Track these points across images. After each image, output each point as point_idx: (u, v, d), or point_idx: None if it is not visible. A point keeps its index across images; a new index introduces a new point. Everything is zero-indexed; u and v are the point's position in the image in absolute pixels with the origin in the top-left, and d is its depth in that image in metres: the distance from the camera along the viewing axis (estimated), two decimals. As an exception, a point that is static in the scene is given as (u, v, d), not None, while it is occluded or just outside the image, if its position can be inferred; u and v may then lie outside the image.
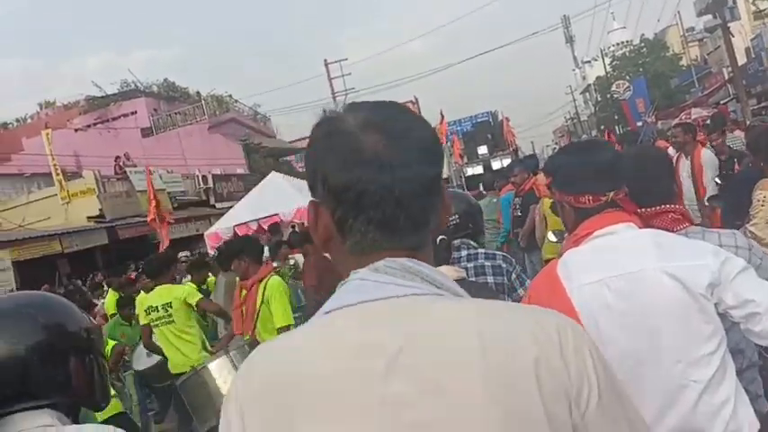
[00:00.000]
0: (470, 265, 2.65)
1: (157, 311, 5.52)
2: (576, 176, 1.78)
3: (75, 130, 28.13)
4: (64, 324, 1.37)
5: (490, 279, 2.63)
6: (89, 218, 19.36)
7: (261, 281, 4.39)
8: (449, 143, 35.18)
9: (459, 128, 47.56)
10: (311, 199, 0.94)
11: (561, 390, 0.81)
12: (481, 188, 10.65)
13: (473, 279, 2.52)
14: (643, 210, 1.87)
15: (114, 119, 29.29)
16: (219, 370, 4.26)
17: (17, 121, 32.02)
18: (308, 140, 0.95)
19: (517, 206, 7.42)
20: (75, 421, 1.39)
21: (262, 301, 4.33)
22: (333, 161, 0.89)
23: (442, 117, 33.19)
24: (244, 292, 4.51)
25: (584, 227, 1.76)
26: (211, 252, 15.10)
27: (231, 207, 18.65)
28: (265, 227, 15.92)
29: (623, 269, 1.65)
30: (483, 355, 0.80)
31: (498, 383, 0.80)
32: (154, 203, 12.11)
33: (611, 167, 1.77)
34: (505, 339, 0.83)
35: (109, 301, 9.07)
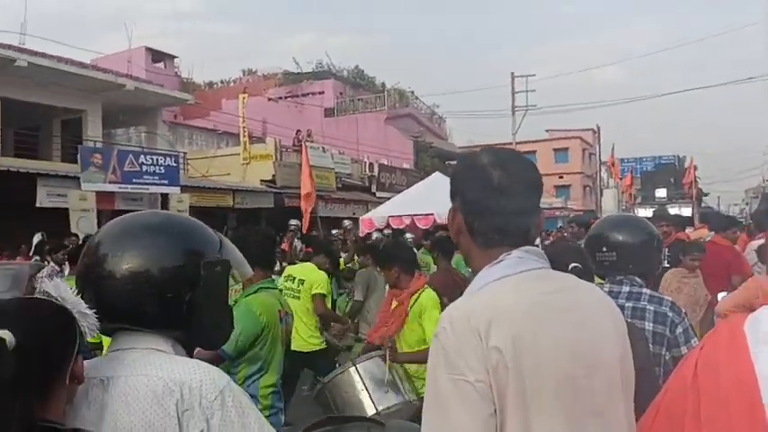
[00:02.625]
0: (629, 304, 2.36)
1: (293, 282, 5.68)
2: None
3: (268, 100, 30.34)
4: (198, 252, 1.32)
5: (648, 326, 2.30)
6: (262, 181, 20.76)
7: (415, 293, 4.15)
8: (622, 179, 33.32)
9: (638, 166, 44.63)
10: (452, 205, 1.40)
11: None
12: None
13: (628, 320, 2.23)
14: None
15: (303, 95, 31.19)
16: (365, 372, 3.91)
17: (221, 82, 35.26)
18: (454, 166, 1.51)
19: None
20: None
21: (409, 313, 4.09)
22: (470, 184, 1.35)
23: (612, 152, 31.45)
24: (395, 303, 4.26)
25: None
26: (364, 236, 15.53)
27: (390, 198, 19.09)
28: (419, 223, 16.08)
29: None
30: (600, 303, 1.36)
31: (615, 320, 1.35)
32: (309, 180, 12.49)
33: None
34: (604, 298, 1.41)
35: None
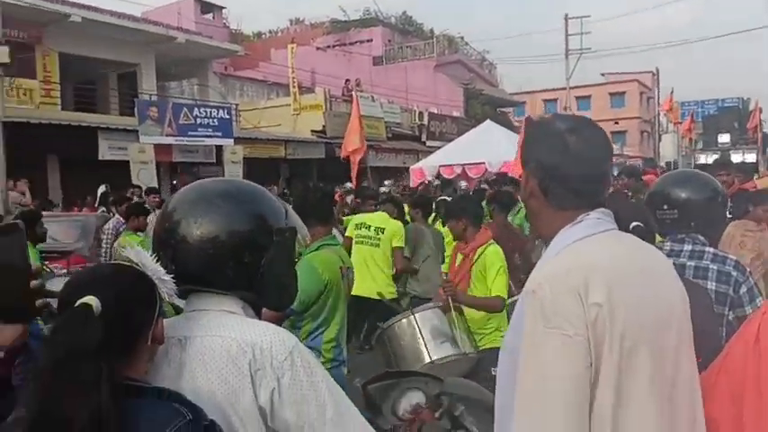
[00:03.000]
0: (691, 263, 2.30)
1: (368, 230, 5.67)
2: None
3: (317, 49, 30.15)
4: (269, 220, 1.37)
5: (711, 285, 2.25)
6: (312, 131, 20.88)
7: (480, 246, 4.07)
8: (681, 123, 31.96)
9: (700, 109, 42.76)
10: (524, 170, 1.47)
11: None
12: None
13: (690, 279, 2.19)
14: None
15: (351, 43, 30.83)
16: (422, 321, 3.92)
17: (270, 32, 35.15)
18: (524, 130, 1.67)
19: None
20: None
21: (473, 266, 4.03)
22: (546, 149, 1.42)
23: (671, 95, 30.18)
24: (461, 256, 4.22)
25: None
26: (414, 186, 15.52)
27: (441, 147, 18.93)
28: (470, 172, 15.94)
29: None
30: (665, 264, 1.45)
31: (678, 281, 1.42)
32: (359, 133, 12.25)
33: None
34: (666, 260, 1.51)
35: None
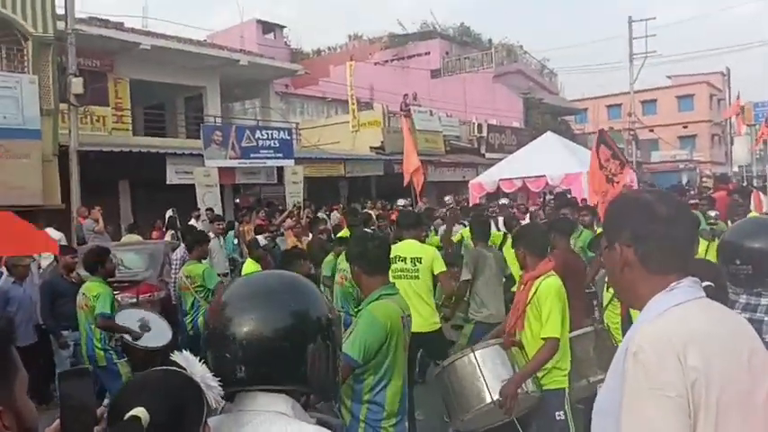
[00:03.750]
0: (745, 315, 2.16)
1: (405, 262, 5.39)
2: None
3: (375, 64, 30.42)
4: (311, 311, 1.38)
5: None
6: (371, 148, 21.04)
7: (537, 278, 3.87)
8: (756, 126, 30.38)
9: (775, 111, 40.83)
10: (615, 244, 1.54)
11: None
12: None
13: None
14: None
15: (409, 57, 30.97)
16: (483, 360, 3.86)
17: (329, 49, 35.73)
18: (608, 209, 1.64)
19: None
20: (305, 407, 1.41)
21: (529, 301, 3.85)
22: (639, 218, 1.51)
23: (738, 97, 28.85)
24: (522, 286, 4.06)
25: None
26: (475, 201, 15.39)
27: (501, 159, 18.72)
28: (530, 186, 15.68)
29: None
30: (750, 334, 1.45)
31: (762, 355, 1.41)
32: (413, 150, 12.04)
33: None
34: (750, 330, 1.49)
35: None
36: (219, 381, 1.27)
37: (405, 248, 5.55)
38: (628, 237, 1.51)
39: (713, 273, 2.18)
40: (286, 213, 12.77)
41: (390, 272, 5.35)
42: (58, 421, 1.12)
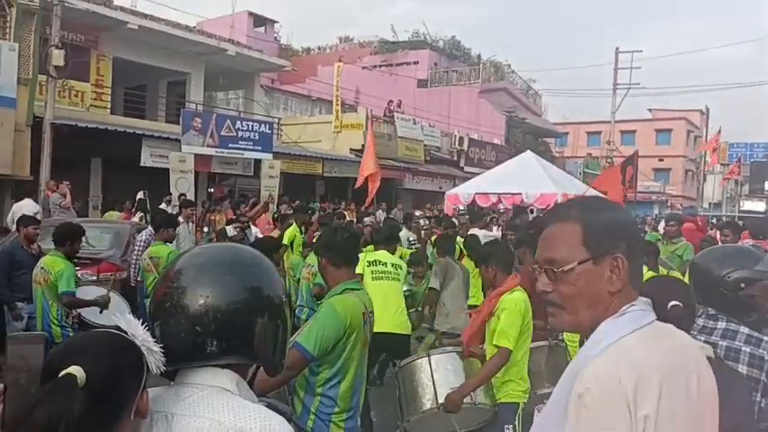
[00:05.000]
0: (723, 343, 2.20)
1: (385, 266, 5.53)
2: None
3: (363, 68, 30.43)
4: (263, 287, 1.36)
5: (743, 369, 2.13)
6: (351, 150, 20.98)
7: (503, 293, 3.88)
8: (729, 165, 31.10)
9: (748, 152, 41.87)
10: (617, 254, 1.38)
11: None
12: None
13: (721, 360, 2.07)
14: None
15: (398, 65, 31.06)
16: (437, 365, 3.92)
17: (318, 48, 35.67)
18: (597, 216, 1.43)
19: None
20: (251, 384, 1.40)
21: (492, 314, 3.86)
22: (635, 232, 1.50)
23: (718, 134, 29.54)
24: (488, 302, 4.08)
25: None
26: (449, 213, 15.44)
27: (478, 173, 18.82)
28: (505, 202, 15.78)
29: None
30: (701, 359, 1.38)
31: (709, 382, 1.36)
32: (373, 155, 12.25)
33: None
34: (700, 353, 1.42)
35: (290, 233, 8.74)
36: (168, 355, 1.24)
37: (384, 255, 5.68)
38: (624, 249, 1.37)
39: (681, 291, 2.19)
40: (261, 205, 12.69)
41: (370, 273, 5.52)
42: (1, 385, 1.07)
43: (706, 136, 42.68)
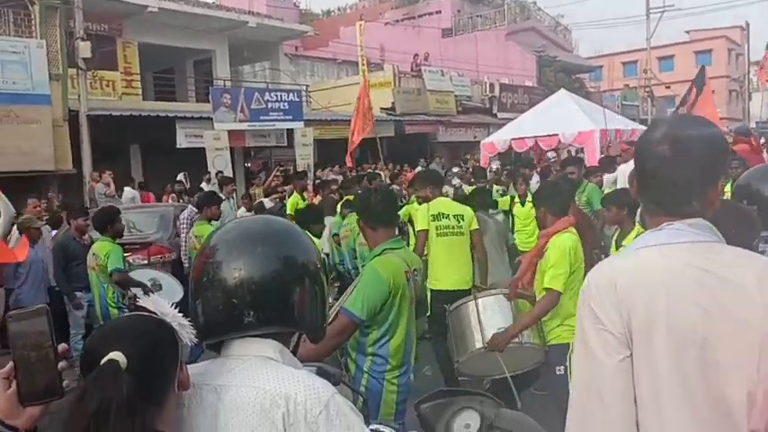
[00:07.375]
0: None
1: (449, 219, 5.33)
2: None
3: (385, 24, 29.93)
4: (296, 256, 1.38)
5: None
6: (381, 109, 20.82)
7: (553, 234, 3.86)
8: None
9: (796, 65, 39.92)
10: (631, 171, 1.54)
11: None
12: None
13: None
14: None
15: (420, 16, 30.42)
16: (483, 307, 3.98)
17: (338, 9, 35.21)
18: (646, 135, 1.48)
19: None
20: (294, 352, 1.42)
21: (541, 256, 3.86)
22: (640, 155, 1.47)
23: (766, 50, 28.05)
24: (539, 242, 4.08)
25: None
26: (485, 163, 15.29)
27: (513, 119, 18.48)
28: (542, 144, 15.51)
29: None
30: (761, 290, 1.28)
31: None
32: (364, 108, 12.08)
33: None
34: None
35: (291, 203, 8.80)
36: (209, 329, 1.28)
37: (446, 204, 5.51)
38: (635, 171, 1.53)
39: (741, 219, 2.11)
40: (272, 174, 12.95)
41: (435, 230, 5.34)
42: (11, 363, 1.11)
43: (748, 53, 40.71)
